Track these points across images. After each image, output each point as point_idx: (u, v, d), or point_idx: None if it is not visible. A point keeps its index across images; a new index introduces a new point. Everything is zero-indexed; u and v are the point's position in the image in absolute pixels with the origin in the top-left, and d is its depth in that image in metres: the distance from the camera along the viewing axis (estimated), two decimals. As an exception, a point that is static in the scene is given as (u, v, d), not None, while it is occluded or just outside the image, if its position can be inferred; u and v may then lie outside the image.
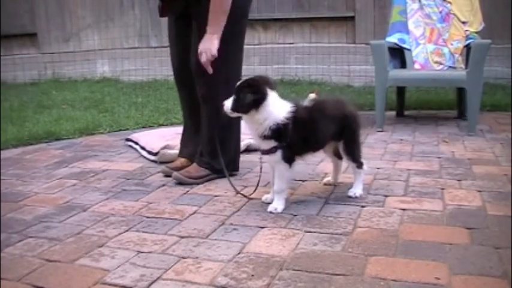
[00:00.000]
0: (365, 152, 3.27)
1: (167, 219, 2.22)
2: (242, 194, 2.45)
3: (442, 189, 2.51)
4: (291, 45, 6.70)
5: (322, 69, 6.48)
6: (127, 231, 2.10)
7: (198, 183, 2.69)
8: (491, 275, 1.64)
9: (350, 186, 2.58)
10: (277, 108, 2.17)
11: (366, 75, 6.11)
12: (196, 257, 1.82)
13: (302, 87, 6.03)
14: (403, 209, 2.24)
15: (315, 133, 2.26)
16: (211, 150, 2.71)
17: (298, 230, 2.04)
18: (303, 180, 2.70)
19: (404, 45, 4.26)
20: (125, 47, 7.21)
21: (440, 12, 4.28)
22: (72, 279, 1.70)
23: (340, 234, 1.99)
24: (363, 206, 2.29)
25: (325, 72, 6.48)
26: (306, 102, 2.30)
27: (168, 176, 2.80)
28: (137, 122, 4.40)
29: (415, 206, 2.27)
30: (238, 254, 1.84)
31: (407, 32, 4.30)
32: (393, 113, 4.49)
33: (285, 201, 2.28)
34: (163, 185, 2.72)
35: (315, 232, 2.01)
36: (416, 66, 4.18)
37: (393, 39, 4.28)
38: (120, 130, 4.24)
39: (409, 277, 1.63)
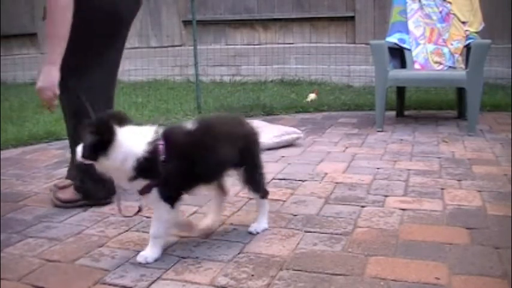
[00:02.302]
0: (365, 152, 3.30)
1: (167, 219, 2.21)
2: (126, 216, 2.03)
3: (442, 189, 2.51)
4: (291, 45, 6.71)
5: (322, 69, 6.48)
6: (127, 231, 2.10)
7: (66, 207, 2.39)
8: (491, 275, 1.64)
9: (350, 186, 2.58)
10: (135, 142, 1.73)
11: (365, 75, 6.12)
12: (196, 257, 1.82)
13: (302, 87, 6.03)
14: (403, 209, 2.24)
15: (201, 161, 1.80)
16: (79, 171, 2.37)
17: (298, 230, 2.04)
18: (303, 180, 2.70)
19: (404, 45, 4.26)
20: (125, 47, 7.21)
21: (440, 12, 4.28)
22: (72, 279, 1.70)
23: (340, 234, 1.99)
24: (363, 206, 2.29)
25: (325, 72, 6.48)
26: (189, 125, 1.85)
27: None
28: (137, 122, 4.39)
29: (415, 206, 2.27)
30: (238, 254, 1.84)
31: (407, 32, 4.30)
32: (393, 113, 4.49)
33: (160, 250, 1.83)
34: (163, 185, 2.71)
35: (315, 232, 2.01)
36: (416, 66, 4.18)
37: (393, 39, 4.28)
38: (120, 130, 4.23)
39: (409, 277, 1.63)
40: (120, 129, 1.73)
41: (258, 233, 2.02)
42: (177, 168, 1.76)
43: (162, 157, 1.74)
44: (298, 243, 1.91)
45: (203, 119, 1.96)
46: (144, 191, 1.78)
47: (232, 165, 1.92)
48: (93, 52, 2.37)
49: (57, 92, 2.16)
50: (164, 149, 1.75)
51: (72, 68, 2.30)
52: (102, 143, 1.70)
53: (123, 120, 1.77)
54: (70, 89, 2.35)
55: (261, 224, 2.05)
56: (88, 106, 2.33)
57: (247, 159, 1.93)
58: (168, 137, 1.78)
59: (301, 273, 1.67)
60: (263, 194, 2.04)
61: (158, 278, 1.67)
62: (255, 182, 1.99)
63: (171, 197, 1.79)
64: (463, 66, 4.09)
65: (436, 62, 4.17)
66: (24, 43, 7.48)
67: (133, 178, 1.75)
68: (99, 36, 2.35)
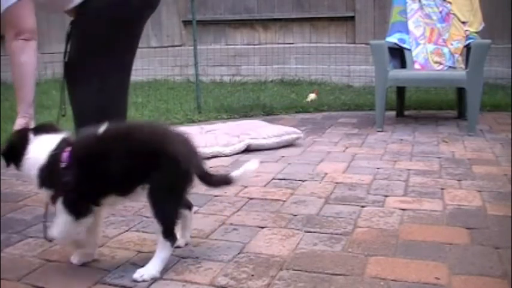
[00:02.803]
0: (365, 152, 3.30)
1: (167, 219, 2.21)
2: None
3: (442, 189, 2.51)
4: (291, 45, 6.71)
5: (322, 69, 6.48)
6: (127, 231, 2.10)
7: None
8: (491, 275, 1.64)
9: (350, 186, 2.58)
10: (41, 151, 1.67)
11: (365, 75, 6.12)
12: (196, 257, 1.82)
13: (302, 87, 6.04)
14: (403, 209, 2.24)
15: (106, 170, 1.61)
16: None
17: (298, 230, 2.04)
18: (303, 180, 2.70)
19: (404, 45, 4.26)
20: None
21: (440, 12, 4.28)
22: (72, 279, 1.69)
23: (340, 234, 1.98)
24: (363, 206, 2.29)
25: (325, 72, 6.48)
26: (97, 130, 1.68)
27: None
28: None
29: (415, 206, 2.27)
30: (238, 254, 1.84)
31: (407, 32, 4.30)
32: (393, 113, 4.49)
33: (93, 256, 1.79)
34: (163, 185, 2.71)
35: (315, 232, 2.01)
36: (416, 66, 4.18)
37: (393, 39, 4.28)
38: (120, 130, 4.23)
39: (409, 277, 1.63)
40: (34, 138, 1.72)
41: (142, 280, 1.63)
42: (78, 176, 1.61)
43: (63, 164, 1.62)
44: (298, 243, 1.91)
45: (114, 125, 1.71)
46: (52, 201, 1.68)
47: (141, 180, 1.64)
48: (101, 54, 2.41)
49: None
50: (68, 156, 1.63)
51: (80, 71, 2.40)
52: (12, 152, 1.74)
53: (45, 130, 1.75)
54: (77, 93, 2.47)
55: (150, 269, 1.66)
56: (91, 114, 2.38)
57: (155, 177, 1.62)
58: (74, 143, 1.69)
59: (301, 273, 1.67)
60: (166, 232, 1.66)
61: (158, 278, 1.67)
62: (158, 207, 1.65)
63: (75, 208, 1.65)
64: (463, 66, 4.09)
65: (436, 62, 4.17)
66: (24, 43, 7.47)
67: (39, 187, 1.69)
68: (108, 38, 2.40)
